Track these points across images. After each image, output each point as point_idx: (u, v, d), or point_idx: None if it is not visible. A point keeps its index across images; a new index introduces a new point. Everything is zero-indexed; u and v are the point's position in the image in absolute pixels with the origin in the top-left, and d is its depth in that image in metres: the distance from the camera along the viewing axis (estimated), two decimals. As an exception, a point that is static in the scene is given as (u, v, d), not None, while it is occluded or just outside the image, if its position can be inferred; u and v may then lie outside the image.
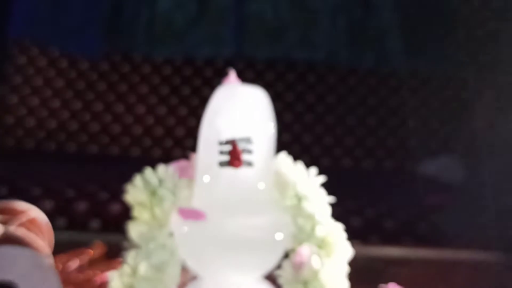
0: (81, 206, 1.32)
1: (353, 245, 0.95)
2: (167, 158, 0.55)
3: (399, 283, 0.76)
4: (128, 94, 1.96)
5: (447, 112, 1.96)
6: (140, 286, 0.46)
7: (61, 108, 1.92)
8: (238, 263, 0.51)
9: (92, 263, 0.77)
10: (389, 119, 1.99)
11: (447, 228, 1.28)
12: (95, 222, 1.31)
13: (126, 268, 0.48)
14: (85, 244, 0.82)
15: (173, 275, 0.48)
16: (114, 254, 0.80)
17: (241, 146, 0.50)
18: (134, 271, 0.47)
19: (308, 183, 0.55)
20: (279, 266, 0.51)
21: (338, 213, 1.26)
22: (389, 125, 1.98)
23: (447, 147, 1.89)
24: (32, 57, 1.93)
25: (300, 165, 0.56)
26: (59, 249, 0.77)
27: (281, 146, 0.54)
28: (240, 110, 0.51)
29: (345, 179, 1.77)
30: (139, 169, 0.54)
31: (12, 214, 0.61)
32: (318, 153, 1.89)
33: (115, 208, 1.31)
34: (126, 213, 1.33)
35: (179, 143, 1.93)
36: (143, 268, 0.47)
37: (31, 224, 0.62)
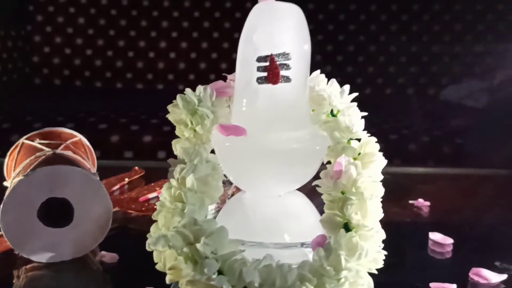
0: (114, 138, 1.36)
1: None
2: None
3: (425, 198, 0.78)
4: (149, 29, 1.96)
5: (470, 36, 1.93)
6: (187, 196, 0.48)
7: (84, 45, 1.93)
8: (279, 175, 0.54)
9: (132, 186, 0.80)
10: (411, 45, 1.97)
11: (470, 150, 1.29)
12: (128, 153, 1.35)
13: (173, 182, 0.50)
14: (122, 171, 0.86)
15: (217, 188, 0.51)
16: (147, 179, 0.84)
17: (279, 61, 0.51)
18: (182, 184, 0.50)
19: (341, 99, 0.56)
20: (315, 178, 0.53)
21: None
22: (411, 51, 1.96)
23: (470, 71, 1.87)
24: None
25: (334, 82, 0.57)
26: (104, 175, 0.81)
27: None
28: (277, 26, 0.52)
29: (367, 106, 1.77)
30: (165, 102, 0.56)
31: (57, 139, 0.64)
32: (339, 82, 1.88)
33: (146, 139, 1.35)
34: (156, 143, 1.36)
35: (202, 76, 1.94)
36: (190, 181, 0.49)
37: (76, 146, 0.65)
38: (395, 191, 0.85)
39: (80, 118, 1.41)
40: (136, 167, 0.86)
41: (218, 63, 1.94)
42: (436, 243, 0.64)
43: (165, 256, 0.47)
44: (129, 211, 0.69)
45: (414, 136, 1.38)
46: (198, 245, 0.45)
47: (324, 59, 1.89)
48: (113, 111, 1.48)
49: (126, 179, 0.81)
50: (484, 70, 1.85)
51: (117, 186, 0.79)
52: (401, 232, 0.69)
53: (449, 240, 0.64)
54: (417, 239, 0.66)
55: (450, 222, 0.73)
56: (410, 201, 0.78)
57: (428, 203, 0.77)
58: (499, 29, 1.86)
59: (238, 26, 0.53)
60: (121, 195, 0.74)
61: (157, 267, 0.48)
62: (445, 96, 1.81)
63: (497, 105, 1.47)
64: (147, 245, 0.47)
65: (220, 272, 0.44)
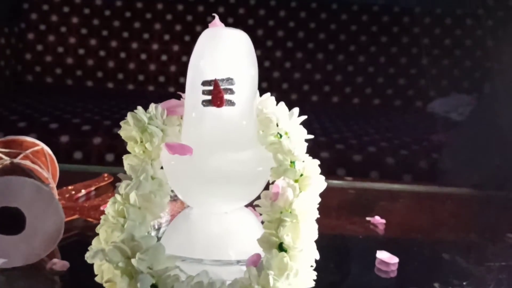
0: (96, 140, 1.38)
1: (347, 180, 1.00)
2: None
3: (383, 215, 0.80)
4: (142, 31, 1.99)
5: (459, 51, 1.95)
6: (129, 212, 0.51)
7: (77, 45, 1.95)
8: (223, 194, 0.56)
9: (99, 193, 0.83)
10: (400, 58, 1.99)
11: (443, 166, 1.30)
12: (109, 156, 1.37)
13: (118, 197, 0.52)
14: (98, 176, 0.88)
15: (160, 204, 0.53)
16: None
17: (223, 86, 0.53)
18: (126, 200, 0.52)
19: (289, 122, 0.58)
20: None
21: (340, 149, 1.29)
22: (400, 63, 1.98)
23: (458, 86, 1.89)
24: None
25: (283, 104, 0.59)
26: (75, 180, 0.84)
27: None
28: (222, 52, 0.54)
29: (355, 117, 1.79)
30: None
31: (19, 148, 0.67)
32: (328, 91, 1.91)
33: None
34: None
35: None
36: (133, 197, 0.51)
37: (36, 155, 0.67)
38: (356, 207, 0.88)
39: (65, 119, 1.43)
40: (105, 174, 0.88)
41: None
42: (382, 262, 0.66)
43: (103, 269, 0.49)
44: (89, 219, 0.71)
45: (392, 150, 1.40)
46: (133, 260, 0.47)
47: (314, 68, 1.91)
48: (98, 112, 1.51)
49: (93, 186, 0.83)
50: (471, 85, 1.87)
51: (83, 192, 0.81)
52: (351, 249, 0.71)
53: (395, 260, 0.65)
54: (366, 257, 0.68)
55: (400, 241, 0.74)
56: (368, 218, 0.80)
57: (383, 221, 0.79)
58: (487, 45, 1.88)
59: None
60: (85, 202, 0.77)
61: (96, 279, 0.50)
62: (430, 109, 1.82)
63: (477, 120, 1.48)
64: (85, 257, 0.49)
65: (154, 287, 0.46)
